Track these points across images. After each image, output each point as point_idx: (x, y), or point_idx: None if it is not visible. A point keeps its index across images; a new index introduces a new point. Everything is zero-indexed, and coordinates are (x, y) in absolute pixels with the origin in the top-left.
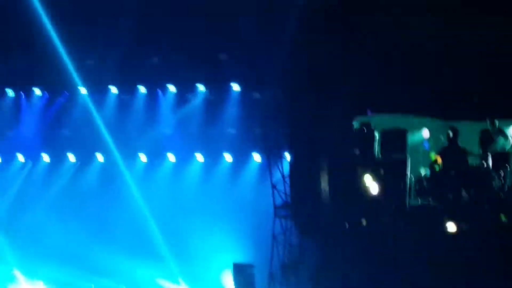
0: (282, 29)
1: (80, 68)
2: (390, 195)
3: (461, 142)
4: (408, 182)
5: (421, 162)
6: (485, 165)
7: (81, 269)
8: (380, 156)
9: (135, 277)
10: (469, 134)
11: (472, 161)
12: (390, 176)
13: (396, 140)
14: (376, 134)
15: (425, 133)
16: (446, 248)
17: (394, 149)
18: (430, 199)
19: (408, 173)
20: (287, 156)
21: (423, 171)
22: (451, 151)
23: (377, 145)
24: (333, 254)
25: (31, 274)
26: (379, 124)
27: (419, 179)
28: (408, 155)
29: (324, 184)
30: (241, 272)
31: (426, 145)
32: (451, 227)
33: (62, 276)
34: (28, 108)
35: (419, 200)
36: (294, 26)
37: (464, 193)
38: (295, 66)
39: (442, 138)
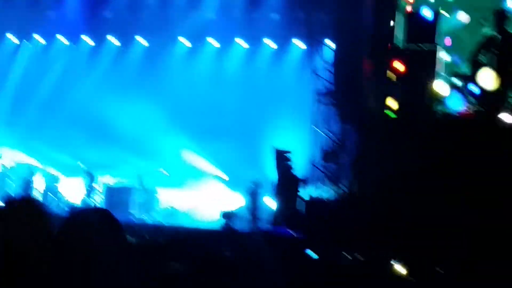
0: None
1: None
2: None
3: None
4: None
5: None
6: None
7: (126, 150)
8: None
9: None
10: None
11: None
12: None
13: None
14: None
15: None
16: None
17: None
18: None
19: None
20: (331, 43)
21: None
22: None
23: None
24: (373, 143)
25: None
26: None
27: None
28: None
29: (367, 73)
30: (281, 157)
31: None
32: None
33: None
34: None
35: None
36: None
37: None
38: None
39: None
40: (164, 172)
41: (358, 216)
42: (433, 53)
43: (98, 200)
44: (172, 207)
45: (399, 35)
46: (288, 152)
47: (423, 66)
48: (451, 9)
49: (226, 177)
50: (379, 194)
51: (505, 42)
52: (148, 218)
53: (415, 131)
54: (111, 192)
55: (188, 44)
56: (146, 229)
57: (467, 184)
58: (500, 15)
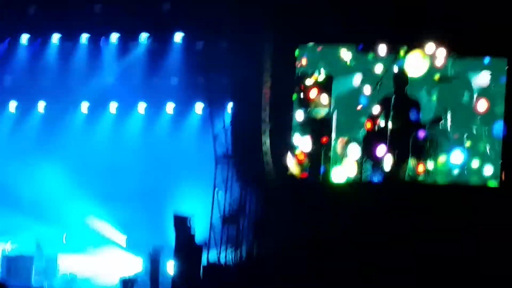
0: None
1: (21, 15)
2: None
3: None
4: None
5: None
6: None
7: (27, 216)
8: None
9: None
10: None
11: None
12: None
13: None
14: None
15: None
16: None
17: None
18: None
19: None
20: (229, 106)
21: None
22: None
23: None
24: (273, 207)
25: None
26: None
27: None
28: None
29: (265, 136)
30: (181, 222)
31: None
32: None
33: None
34: None
35: None
36: None
37: None
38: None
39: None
40: (64, 238)
41: (257, 280)
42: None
43: None
44: (71, 274)
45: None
46: (188, 216)
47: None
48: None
49: (124, 243)
50: (279, 258)
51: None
52: (48, 285)
53: (314, 194)
54: (10, 260)
55: (86, 110)
56: None
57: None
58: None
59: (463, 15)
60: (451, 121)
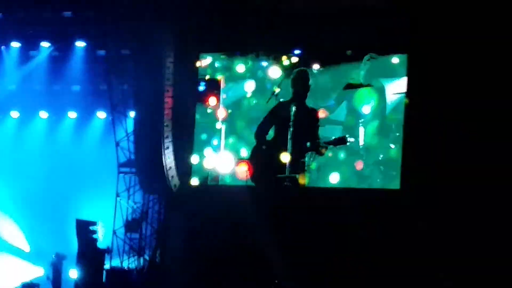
0: None
1: None
2: None
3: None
4: None
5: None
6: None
7: None
8: None
9: None
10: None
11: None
12: None
13: None
14: None
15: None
16: None
17: None
18: None
19: None
20: (132, 113)
21: None
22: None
23: None
24: (175, 212)
25: None
26: None
27: None
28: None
29: (168, 142)
30: (84, 228)
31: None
32: None
33: None
34: None
35: None
36: None
37: None
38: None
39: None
40: None
41: (161, 286)
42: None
43: None
44: None
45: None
46: (91, 222)
47: None
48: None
49: (26, 249)
50: (183, 264)
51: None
52: None
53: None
54: None
55: None
56: None
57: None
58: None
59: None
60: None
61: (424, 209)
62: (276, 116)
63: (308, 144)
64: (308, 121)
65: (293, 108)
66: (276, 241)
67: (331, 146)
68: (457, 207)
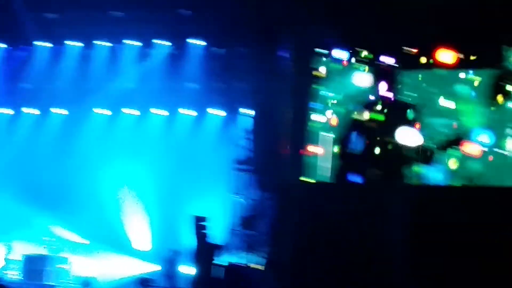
0: None
1: (40, 21)
2: None
3: None
4: None
5: None
6: None
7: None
8: None
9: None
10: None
11: None
12: None
13: None
14: None
15: None
16: None
17: None
18: None
19: None
20: (250, 111)
21: None
22: None
23: None
24: (291, 211)
25: None
26: None
27: None
28: None
29: (285, 141)
30: (200, 224)
31: None
32: None
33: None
34: None
35: None
36: None
37: None
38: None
39: None
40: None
41: (277, 284)
42: None
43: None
44: (86, 277)
45: None
46: (207, 219)
47: None
48: None
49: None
50: (297, 262)
51: None
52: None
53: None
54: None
55: (107, 113)
56: None
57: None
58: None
59: None
60: None
61: None
62: None
63: None
64: None
65: None
66: (401, 242)
67: None
68: None
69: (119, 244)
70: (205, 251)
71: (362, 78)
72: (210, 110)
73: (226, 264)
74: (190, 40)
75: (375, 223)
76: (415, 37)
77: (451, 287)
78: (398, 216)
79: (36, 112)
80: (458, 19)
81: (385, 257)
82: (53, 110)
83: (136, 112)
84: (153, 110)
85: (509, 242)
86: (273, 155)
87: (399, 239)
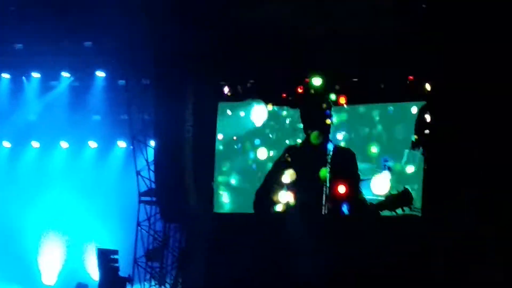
0: (148, 19)
1: None
2: None
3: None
4: None
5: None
6: None
7: None
8: None
9: None
10: None
11: None
12: None
13: None
14: None
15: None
16: None
17: None
18: None
19: None
20: (152, 142)
21: None
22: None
23: None
24: (197, 241)
25: None
26: None
27: None
28: None
29: (189, 171)
30: (105, 257)
31: None
32: None
33: None
34: None
35: None
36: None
37: None
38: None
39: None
40: None
41: None
42: None
43: None
44: None
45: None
46: (112, 251)
47: None
48: None
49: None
50: None
51: None
52: None
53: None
54: None
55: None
56: None
57: None
58: None
59: None
60: None
61: None
62: None
63: None
64: None
65: None
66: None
67: None
68: None
69: (26, 277)
70: (110, 284)
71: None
72: (113, 142)
73: None
74: (93, 72)
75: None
76: None
77: None
78: (314, 248)
79: None
80: None
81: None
82: None
83: (37, 145)
84: (56, 143)
85: None
86: (178, 186)
87: (315, 271)
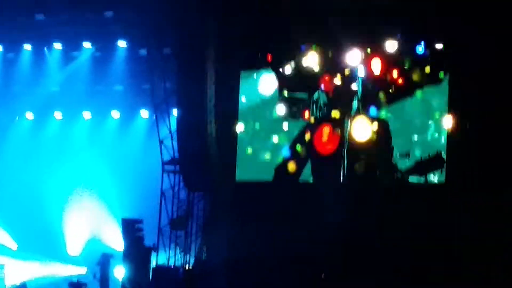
0: None
1: None
2: None
3: None
4: None
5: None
6: None
7: None
8: None
9: None
10: None
11: None
12: None
13: None
14: None
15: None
16: None
17: None
18: None
19: None
20: (175, 112)
21: None
22: None
23: None
24: (220, 209)
25: None
26: None
27: None
28: None
29: (211, 139)
30: (129, 227)
31: None
32: None
33: None
34: None
35: None
36: None
37: None
38: (183, 23)
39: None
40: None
41: (206, 284)
42: None
43: None
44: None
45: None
46: (136, 221)
47: None
48: None
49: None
50: (228, 261)
51: None
52: None
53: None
54: None
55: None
56: None
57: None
58: None
59: None
60: None
61: None
62: None
63: None
64: None
65: None
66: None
67: None
68: None
69: (51, 248)
70: (135, 253)
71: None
72: (135, 112)
73: (156, 265)
74: (114, 42)
75: (311, 223)
76: None
77: None
78: (334, 216)
79: None
80: None
81: (319, 257)
82: None
83: (60, 115)
84: (79, 114)
85: None
86: (201, 154)
87: (334, 240)
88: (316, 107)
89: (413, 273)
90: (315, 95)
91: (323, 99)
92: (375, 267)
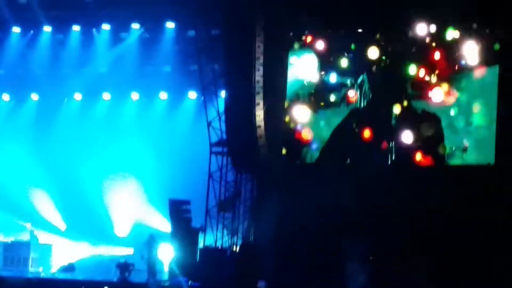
0: None
1: (12, 6)
2: None
3: None
4: None
5: None
6: None
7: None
8: None
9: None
10: None
11: None
12: None
13: None
14: None
15: None
16: None
17: None
18: None
19: None
20: (222, 93)
21: None
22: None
23: None
24: (268, 189)
25: None
26: None
27: None
28: None
29: (260, 120)
30: (177, 208)
31: None
32: None
33: None
34: None
35: None
36: None
37: None
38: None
39: None
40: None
41: (254, 265)
42: None
43: None
44: (67, 261)
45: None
46: (183, 202)
47: None
48: None
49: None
50: (275, 243)
51: None
52: (45, 272)
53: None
54: (7, 248)
55: (80, 98)
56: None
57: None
58: None
59: None
60: None
61: None
62: None
63: None
64: None
65: None
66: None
67: None
68: None
69: (99, 229)
70: (183, 234)
71: None
72: (183, 93)
73: (203, 246)
74: (163, 23)
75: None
76: None
77: None
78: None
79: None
80: None
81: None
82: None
83: (108, 96)
84: (127, 95)
85: None
86: (249, 136)
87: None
88: (361, 92)
89: (471, 256)
90: (359, 79)
91: (367, 83)
92: (429, 248)
